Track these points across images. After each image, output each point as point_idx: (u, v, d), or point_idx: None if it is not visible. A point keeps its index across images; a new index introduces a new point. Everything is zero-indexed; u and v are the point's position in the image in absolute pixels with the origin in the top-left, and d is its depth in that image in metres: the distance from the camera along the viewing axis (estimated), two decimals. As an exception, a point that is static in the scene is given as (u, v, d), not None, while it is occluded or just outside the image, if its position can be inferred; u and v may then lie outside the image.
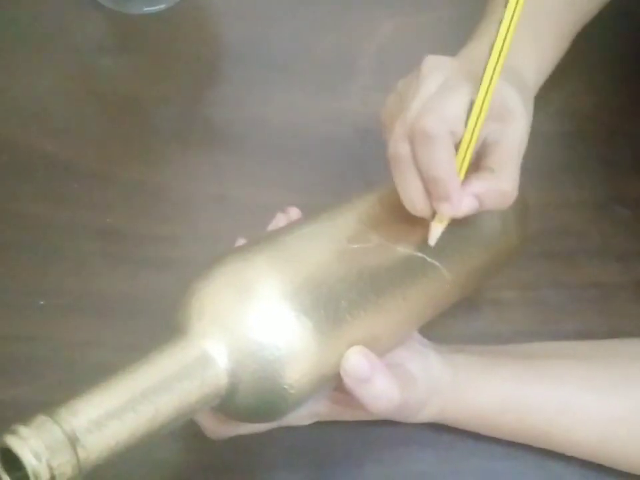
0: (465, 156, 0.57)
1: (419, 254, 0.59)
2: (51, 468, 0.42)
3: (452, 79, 0.57)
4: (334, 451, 0.69)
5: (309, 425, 0.65)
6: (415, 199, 0.57)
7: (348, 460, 0.69)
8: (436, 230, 0.59)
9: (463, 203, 0.57)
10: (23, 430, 0.43)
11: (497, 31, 0.54)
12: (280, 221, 0.64)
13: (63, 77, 0.89)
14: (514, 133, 0.58)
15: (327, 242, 0.56)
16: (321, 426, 0.65)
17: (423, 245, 0.59)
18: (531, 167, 0.80)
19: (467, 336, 0.73)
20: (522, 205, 0.69)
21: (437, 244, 0.60)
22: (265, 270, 0.52)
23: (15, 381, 0.71)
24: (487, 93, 0.55)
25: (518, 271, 0.76)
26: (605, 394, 0.65)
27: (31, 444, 0.42)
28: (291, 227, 0.60)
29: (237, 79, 0.89)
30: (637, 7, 0.89)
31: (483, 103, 0.55)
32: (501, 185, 0.58)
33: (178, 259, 0.77)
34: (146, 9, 0.92)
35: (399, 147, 0.57)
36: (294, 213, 0.64)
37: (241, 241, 0.61)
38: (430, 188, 0.57)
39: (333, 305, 0.53)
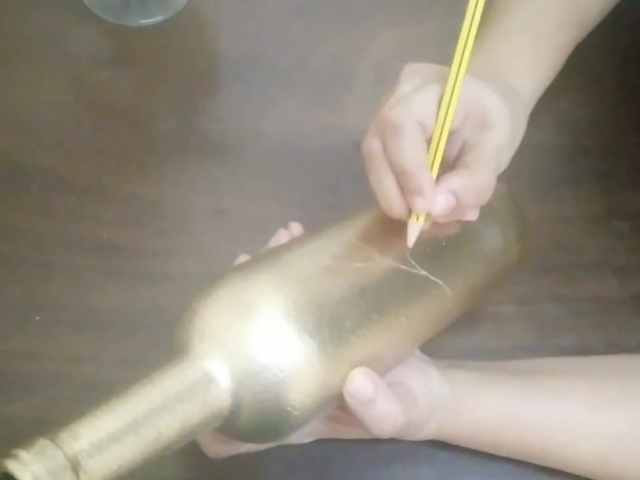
0: (436, 153, 0.57)
1: (422, 272, 0.58)
2: None
3: (425, 81, 0.58)
4: (331, 468, 0.69)
5: (308, 442, 0.65)
6: (389, 196, 0.57)
7: (345, 477, 0.69)
8: (413, 230, 0.58)
9: (438, 199, 0.56)
10: (24, 455, 0.42)
11: (462, 26, 0.55)
12: (281, 236, 0.64)
13: (59, 89, 0.88)
14: (493, 139, 0.58)
15: (329, 261, 0.56)
16: (318, 443, 0.65)
17: (425, 262, 0.59)
18: (528, 181, 0.81)
19: (466, 351, 0.73)
20: (521, 222, 0.69)
21: (438, 262, 0.60)
22: (267, 289, 0.52)
23: (10, 396, 0.70)
24: (454, 86, 0.55)
25: (516, 286, 0.76)
26: (606, 409, 0.65)
27: (33, 469, 0.42)
28: (292, 244, 0.60)
29: (234, 92, 0.89)
30: (635, 20, 0.89)
31: (451, 97, 0.56)
32: (476, 179, 0.58)
33: (174, 273, 0.77)
34: (142, 21, 0.92)
35: (371, 144, 0.57)
36: (295, 228, 0.64)
37: (242, 258, 0.61)
38: (402, 182, 0.56)
39: (336, 325, 0.52)
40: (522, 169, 0.80)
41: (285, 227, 0.65)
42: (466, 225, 0.62)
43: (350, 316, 0.53)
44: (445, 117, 0.56)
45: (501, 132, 0.58)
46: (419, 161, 0.55)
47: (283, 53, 0.92)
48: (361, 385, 0.53)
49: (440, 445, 0.67)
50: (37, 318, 0.74)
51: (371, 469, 0.69)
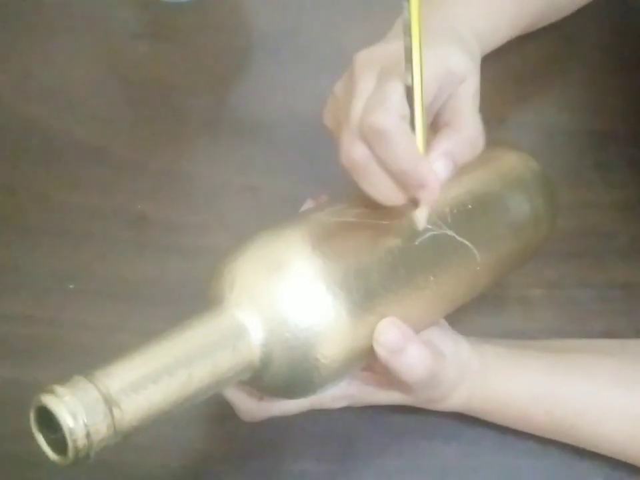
0: (419, 131, 0.55)
1: (449, 232, 0.59)
2: (86, 426, 0.43)
3: (385, 70, 0.56)
4: (356, 442, 0.69)
5: (331, 416, 0.65)
6: (389, 196, 0.55)
7: (369, 452, 0.69)
8: (422, 215, 0.56)
9: (437, 167, 0.55)
10: (58, 389, 0.43)
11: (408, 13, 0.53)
12: (309, 207, 0.64)
13: (95, 64, 0.90)
14: (467, 89, 0.58)
15: (356, 218, 0.57)
16: (343, 417, 0.66)
17: (453, 223, 0.59)
18: (560, 166, 0.81)
19: (493, 333, 0.72)
20: (551, 198, 0.69)
21: (465, 223, 0.60)
22: (296, 242, 0.53)
23: (40, 362, 0.71)
24: (420, 67, 0.53)
25: (545, 270, 0.76)
26: (634, 389, 0.65)
27: (67, 402, 0.43)
28: (321, 206, 0.61)
29: (268, 69, 0.90)
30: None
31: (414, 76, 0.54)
32: (464, 132, 0.57)
33: (205, 247, 0.77)
34: (180, -3, 0.93)
35: (352, 152, 0.54)
36: (324, 200, 0.64)
37: None
38: (402, 181, 0.54)
39: (363, 276, 0.53)
40: (554, 155, 0.80)
41: (313, 197, 0.65)
42: (492, 190, 0.63)
43: (377, 269, 0.54)
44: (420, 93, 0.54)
45: (473, 81, 0.58)
46: (415, 156, 0.54)
47: (317, 31, 0.92)
48: (389, 333, 0.54)
49: (467, 422, 0.67)
50: (71, 286, 0.75)
51: (397, 445, 0.69)
